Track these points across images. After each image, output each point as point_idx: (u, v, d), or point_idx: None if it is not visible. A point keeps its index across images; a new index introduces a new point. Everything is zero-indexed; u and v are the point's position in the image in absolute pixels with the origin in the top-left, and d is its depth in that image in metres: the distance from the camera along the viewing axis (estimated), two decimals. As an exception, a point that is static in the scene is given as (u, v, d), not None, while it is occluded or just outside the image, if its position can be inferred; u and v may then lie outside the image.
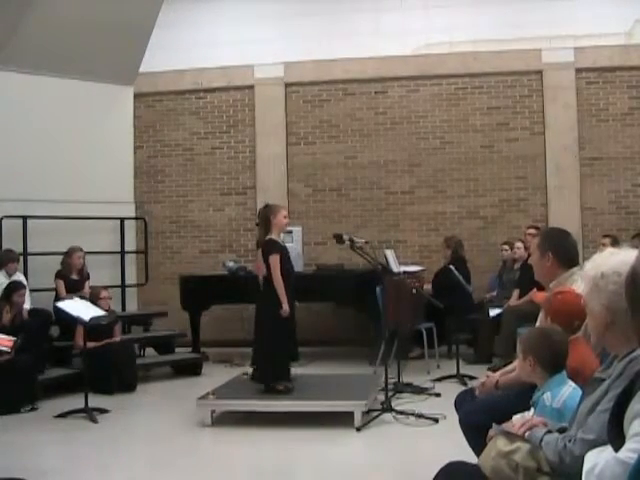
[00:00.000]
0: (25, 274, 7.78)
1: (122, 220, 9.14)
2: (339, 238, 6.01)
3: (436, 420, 5.42)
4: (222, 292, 8.45)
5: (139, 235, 9.57)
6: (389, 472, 4.54)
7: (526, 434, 2.42)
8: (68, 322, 6.73)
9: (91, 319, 6.15)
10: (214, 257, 9.88)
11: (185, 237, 10.11)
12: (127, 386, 7.03)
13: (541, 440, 2.35)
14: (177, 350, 8.51)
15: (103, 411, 6.10)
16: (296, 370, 6.37)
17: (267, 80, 9.84)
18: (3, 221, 8.00)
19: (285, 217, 6.04)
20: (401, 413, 5.62)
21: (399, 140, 9.67)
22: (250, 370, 6.25)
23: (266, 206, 6.13)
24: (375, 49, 9.52)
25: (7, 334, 5.81)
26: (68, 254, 7.89)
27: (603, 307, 2.17)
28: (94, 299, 7.13)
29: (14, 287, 7.07)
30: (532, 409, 2.79)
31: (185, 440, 5.34)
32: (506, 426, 2.56)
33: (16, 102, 8.23)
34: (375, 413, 5.58)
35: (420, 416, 5.54)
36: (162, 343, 8.58)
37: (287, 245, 6.29)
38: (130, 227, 9.37)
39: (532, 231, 8.22)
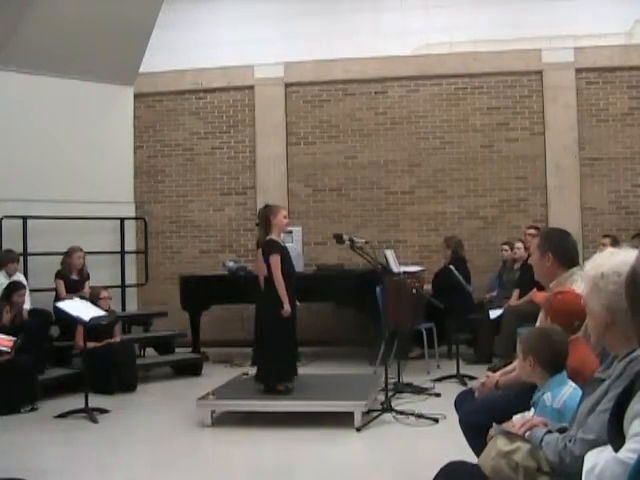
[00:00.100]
0: (25, 274, 7.78)
1: (122, 220, 9.15)
2: (339, 238, 6.01)
3: (436, 420, 5.42)
4: (222, 292, 8.45)
5: (139, 235, 9.57)
6: (389, 472, 4.54)
7: (526, 434, 2.42)
8: (68, 322, 6.73)
9: (91, 319, 6.15)
10: (214, 257, 9.88)
11: (185, 237, 10.11)
12: (127, 386, 7.03)
13: (541, 440, 2.35)
14: (177, 350, 8.51)
15: (103, 411, 6.09)
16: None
17: (267, 80, 9.84)
18: (3, 221, 8.00)
19: (285, 217, 6.04)
20: (401, 413, 5.62)
21: (399, 140, 9.67)
22: (250, 370, 6.25)
23: (266, 206, 6.12)
24: (375, 49, 9.52)
25: (7, 334, 5.81)
26: (68, 254, 7.89)
27: (603, 307, 2.17)
28: (94, 299, 7.13)
29: (14, 287, 7.07)
30: (532, 409, 2.79)
31: (185, 440, 5.34)
32: (506, 426, 2.57)
33: (16, 102, 8.23)
34: (375, 413, 5.58)
35: (420, 416, 5.54)
36: (162, 343, 8.58)
37: (287, 245, 6.29)
38: (130, 227, 9.38)
39: (532, 231, 8.23)
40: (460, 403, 3.68)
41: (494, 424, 2.62)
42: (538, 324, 3.36)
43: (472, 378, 6.59)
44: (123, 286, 9.14)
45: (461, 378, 6.87)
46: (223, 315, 9.34)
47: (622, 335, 2.12)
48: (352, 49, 9.57)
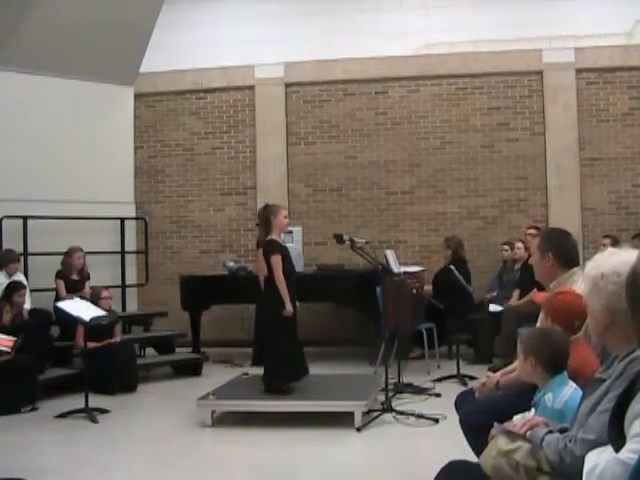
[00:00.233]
0: (25, 274, 7.78)
1: (122, 220, 9.14)
2: (339, 238, 6.00)
3: (436, 420, 5.42)
4: (222, 292, 8.44)
5: (139, 235, 9.57)
6: (389, 472, 4.53)
7: (527, 434, 2.42)
8: (68, 322, 6.73)
9: (91, 319, 6.15)
10: (214, 257, 9.88)
11: (185, 237, 10.11)
12: (127, 386, 7.02)
13: (542, 440, 2.35)
14: (177, 350, 8.50)
15: (103, 411, 6.09)
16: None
17: (267, 80, 9.84)
18: (3, 221, 8.00)
19: (285, 217, 6.04)
20: (401, 413, 5.62)
21: (399, 140, 9.67)
22: (250, 370, 6.24)
23: (266, 206, 6.12)
24: (375, 49, 9.51)
25: (7, 334, 5.81)
26: (68, 254, 7.89)
27: (603, 307, 2.16)
28: (95, 299, 7.14)
29: (14, 287, 7.07)
30: (533, 410, 2.79)
31: (185, 440, 5.34)
32: (508, 425, 2.57)
33: (16, 102, 8.23)
34: (375, 413, 5.58)
35: (420, 416, 5.53)
36: (162, 343, 8.58)
37: (287, 245, 6.28)
38: (130, 227, 9.38)
39: (532, 231, 8.23)
40: (460, 403, 3.68)
41: (495, 424, 2.62)
42: (538, 324, 3.36)
43: (472, 378, 6.59)
44: (123, 286, 9.14)
45: (461, 378, 6.87)
46: (223, 315, 9.34)
47: (622, 335, 2.12)
48: (352, 49, 9.56)
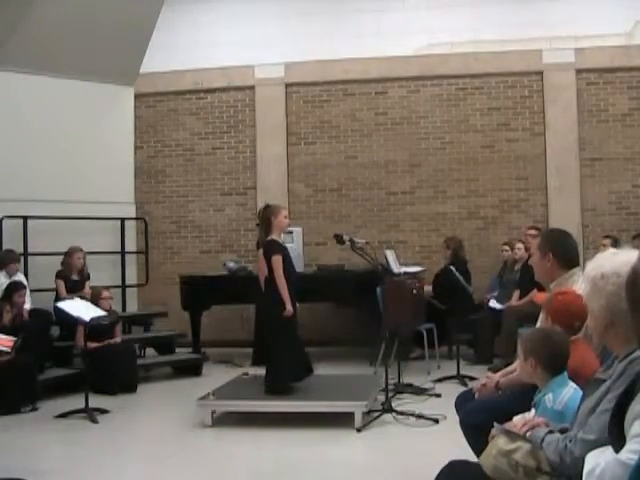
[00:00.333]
0: (25, 274, 7.79)
1: (122, 220, 9.15)
2: (339, 238, 6.01)
3: (436, 421, 5.42)
4: (222, 292, 8.43)
5: (139, 235, 9.58)
6: (389, 473, 4.53)
7: (528, 434, 2.42)
8: (68, 322, 6.73)
9: (92, 319, 6.15)
10: (214, 257, 9.88)
11: (185, 237, 10.11)
12: (127, 386, 7.02)
13: (542, 440, 2.35)
14: (177, 350, 8.50)
15: (103, 411, 6.09)
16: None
17: (268, 80, 9.84)
18: (3, 221, 8.01)
19: (286, 217, 6.04)
20: (401, 414, 5.61)
21: (400, 140, 9.67)
22: (250, 370, 6.24)
23: (267, 206, 6.11)
24: (377, 49, 9.51)
25: (7, 334, 5.81)
26: (68, 254, 7.89)
27: (603, 307, 2.17)
28: (95, 299, 7.13)
29: (15, 287, 7.07)
30: (533, 410, 2.78)
31: (185, 440, 5.33)
32: (508, 425, 2.57)
33: (16, 102, 8.23)
34: (375, 414, 5.57)
35: (420, 417, 5.53)
36: (162, 343, 8.57)
37: (287, 245, 6.29)
38: (130, 227, 9.38)
39: (532, 232, 8.23)
40: (460, 404, 3.68)
41: (495, 424, 2.62)
42: (539, 325, 3.36)
43: (472, 379, 6.59)
44: (123, 286, 9.15)
45: (461, 379, 6.87)
46: (223, 315, 9.34)
47: (622, 335, 2.12)
48: (353, 49, 9.56)
